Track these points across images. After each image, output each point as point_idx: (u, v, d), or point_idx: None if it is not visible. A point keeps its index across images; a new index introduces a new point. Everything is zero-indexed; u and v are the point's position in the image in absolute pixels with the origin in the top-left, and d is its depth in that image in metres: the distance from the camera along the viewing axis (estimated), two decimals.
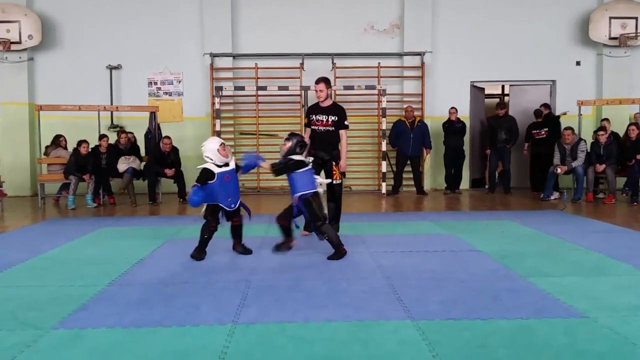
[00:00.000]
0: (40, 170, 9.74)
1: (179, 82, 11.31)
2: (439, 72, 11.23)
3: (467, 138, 11.08)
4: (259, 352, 2.73)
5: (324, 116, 5.91)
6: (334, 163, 5.87)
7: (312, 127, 5.97)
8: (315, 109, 6.01)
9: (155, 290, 3.86)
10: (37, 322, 3.19)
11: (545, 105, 10.52)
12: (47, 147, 9.84)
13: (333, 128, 5.89)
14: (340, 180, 5.91)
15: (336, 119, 5.89)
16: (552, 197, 9.31)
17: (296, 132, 5.61)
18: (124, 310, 3.40)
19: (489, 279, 4.09)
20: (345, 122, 5.95)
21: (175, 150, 9.57)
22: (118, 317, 3.28)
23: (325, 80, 5.94)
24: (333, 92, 10.73)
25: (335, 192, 5.90)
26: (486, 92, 12.47)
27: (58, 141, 9.77)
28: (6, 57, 10.79)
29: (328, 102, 5.97)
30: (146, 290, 3.86)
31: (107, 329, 3.09)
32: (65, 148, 9.70)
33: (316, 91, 5.94)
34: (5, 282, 4.18)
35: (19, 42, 10.60)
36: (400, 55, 11.21)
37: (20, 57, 10.88)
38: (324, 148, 5.87)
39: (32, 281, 4.19)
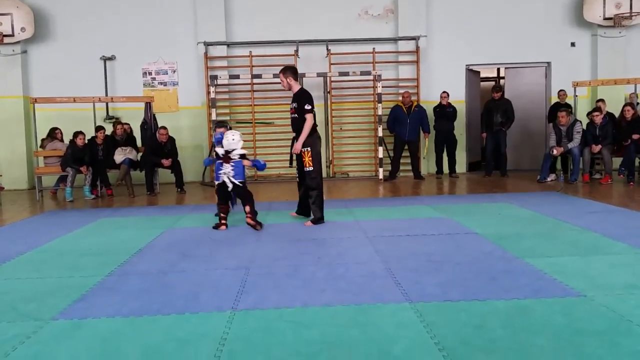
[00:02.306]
0: (37, 163, 9.72)
1: (174, 71, 11.26)
2: (434, 56, 11.20)
3: (462, 122, 11.11)
4: (258, 337, 2.75)
5: (291, 104, 5.92)
6: (303, 150, 5.83)
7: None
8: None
9: (154, 280, 3.87)
10: (37, 314, 3.21)
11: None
12: (43, 139, 9.81)
13: (297, 115, 5.83)
14: (311, 168, 5.84)
15: (296, 105, 5.81)
16: (549, 179, 9.33)
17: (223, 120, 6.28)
18: (124, 300, 3.42)
19: (486, 261, 4.11)
20: (306, 107, 5.74)
21: (171, 140, 9.55)
22: (118, 306, 3.30)
23: (282, 71, 5.94)
24: (328, 78, 10.81)
25: (306, 180, 5.92)
26: (482, 75, 12.46)
27: (54, 133, 9.75)
28: None
29: (295, 89, 5.89)
30: (145, 280, 3.87)
31: (107, 318, 3.10)
32: (62, 140, 9.68)
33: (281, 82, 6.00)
34: (4, 274, 4.19)
35: (12, 35, 10.51)
36: (395, 40, 11.17)
37: (13, 50, 10.81)
38: (297, 135, 5.90)
39: (31, 273, 4.20)
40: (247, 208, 5.79)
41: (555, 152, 9.18)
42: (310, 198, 5.93)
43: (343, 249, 4.70)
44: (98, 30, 11.07)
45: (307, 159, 5.83)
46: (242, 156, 5.76)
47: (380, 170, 10.36)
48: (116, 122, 10.09)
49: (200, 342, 2.71)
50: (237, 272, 3.99)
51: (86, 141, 9.10)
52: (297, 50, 10.89)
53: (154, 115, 9.88)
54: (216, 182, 5.89)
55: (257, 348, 2.63)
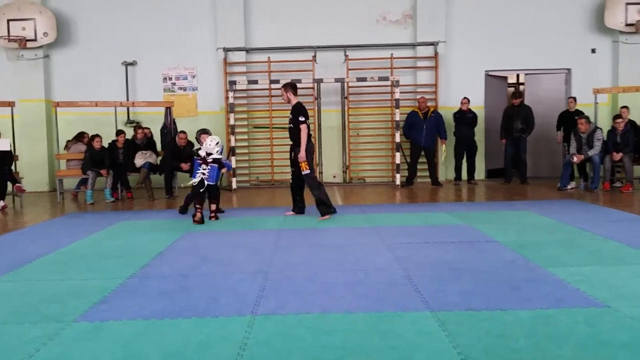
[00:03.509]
0: (59, 166, 9.85)
1: (193, 77, 11.36)
2: (453, 62, 11.15)
3: (482, 128, 11.03)
4: (278, 342, 2.75)
5: (290, 116, 6.64)
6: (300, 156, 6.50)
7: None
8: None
9: (174, 282, 3.89)
10: (59, 315, 3.24)
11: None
12: (68, 141, 10.01)
13: (292, 125, 6.54)
14: (307, 171, 6.48)
15: (291, 117, 6.56)
16: (569, 187, 9.23)
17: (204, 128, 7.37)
18: (145, 302, 3.44)
19: (508, 270, 4.07)
20: (300, 118, 6.44)
21: (190, 144, 9.61)
22: (139, 308, 3.32)
23: (284, 86, 6.69)
24: (346, 84, 10.82)
25: (304, 183, 6.67)
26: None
27: (82, 137, 9.90)
28: (22, 55, 10.90)
29: (293, 103, 6.61)
30: (166, 282, 3.90)
31: (129, 320, 3.12)
32: (86, 144, 9.82)
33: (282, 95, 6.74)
34: (27, 275, 4.24)
35: (35, 40, 10.70)
36: (413, 45, 11.14)
37: (36, 55, 10.98)
38: (293, 145, 6.65)
39: (53, 275, 4.24)
40: (213, 206, 6.66)
41: (575, 159, 9.08)
42: (315, 196, 6.54)
43: (361, 255, 4.68)
44: (119, 36, 11.20)
45: (304, 164, 6.46)
46: (217, 160, 6.52)
47: (397, 176, 10.33)
48: (137, 126, 10.20)
49: (221, 346, 2.71)
50: (255, 277, 3.99)
51: (104, 144, 9.21)
52: (315, 56, 10.92)
53: (173, 119, 9.97)
54: (193, 180, 6.57)
55: (277, 353, 2.62)
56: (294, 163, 6.63)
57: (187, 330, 2.95)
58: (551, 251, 4.62)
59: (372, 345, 2.69)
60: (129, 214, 7.56)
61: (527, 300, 3.32)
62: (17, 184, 8.59)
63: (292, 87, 6.65)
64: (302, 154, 6.43)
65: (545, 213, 6.61)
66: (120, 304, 3.44)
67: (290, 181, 6.96)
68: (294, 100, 6.60)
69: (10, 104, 9.14)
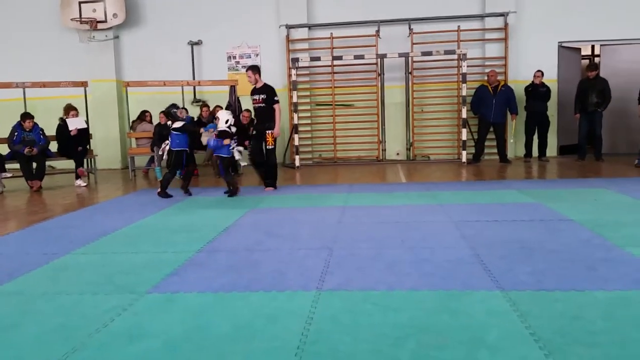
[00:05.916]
0: (130, 144, 10.21)
1: (257, 55, 11.43)
2: (524, 33, 10.68)
3: (554, 103, 10.55)
4: (345, 318, 2.74)
5: (257, 96, 7.20)
6: (268, 132, 7.11)
7: (252, 105, 7.39)
8: (252, 90, 7.27)
9: (241, 257, 3.96)
10: (133, 286, 3.36)
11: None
12: (133, 121, 10.31)
13: (264, 104, 7.13)
14: (272, 146, 7.21)
15: (265, 97, 7.11)
16: None
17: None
18: (213, 276, 3.52)
19: (583, 249, 3.88)
20: (275, 98, 7.11)
21: (253, 122, 9.70)
22: (208, 281, 3.40)
23: (251, 68, 7.23)
24: (410, 59, 10.59)
25: (269, 155, 7.34)
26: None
27: (144, 116, 10.20)
28: (93, 36, 11.31)
29: (260, 84, 7.19)
30: (233, 257, 3.97)
31: (199, 292, 3.20)
32: (151, 122, 10.11)
33: (247, 77, 7.18)
34: (102, 248, 4.43)
35: (105, 21, 11.07)
36: (481, 17, 10.73)
37: (106, 36, 11.37)
38: (260, 121, 7.27)
39: (126, 248, 4.41)
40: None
41: None
42: (269, 170, 7.34)
43: (427, 232, 4.59)
44: (185, 16, 11.41)
45: (270, 139, 7.15)
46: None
47: (464, 153, 10.06)
48: (202, 104, 10.40)
49: (288, 320, 2.73)
50: (320, 253, 4.00)
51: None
52: (378, 31, 10.73)
53: (238, 98, 10.10)
54: (228, 156, 7.08)
55: (344, 328, 2.61)
56: (258, 137, 7.27)
57: (254, 303, 3.00)
58: (630, 230, 4.37)
59: (441, 324, 2.63)
60: (196, 190, 7.74)
61: (604, 281, 3.16)
62: (80, 168, 8.87)
63: (258, 69, 7.32)
64: (277, 130, 7.16)
65: (623, 191, 6.26)
66: (190, 276, 3.53)
67: (254, 159, 7.52)
68: (261, 82, 7.20)
69: (84, 84, 9.52)
